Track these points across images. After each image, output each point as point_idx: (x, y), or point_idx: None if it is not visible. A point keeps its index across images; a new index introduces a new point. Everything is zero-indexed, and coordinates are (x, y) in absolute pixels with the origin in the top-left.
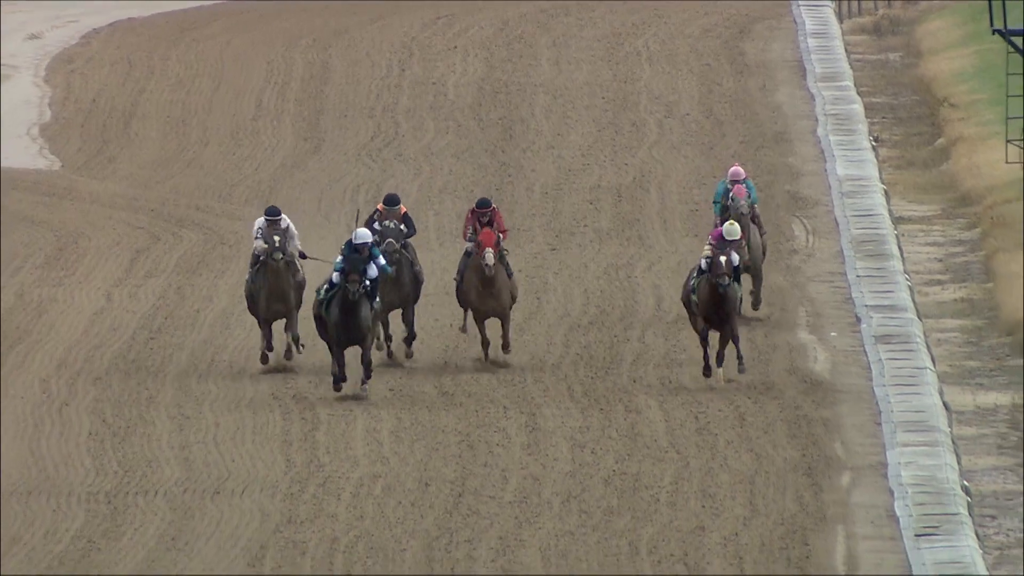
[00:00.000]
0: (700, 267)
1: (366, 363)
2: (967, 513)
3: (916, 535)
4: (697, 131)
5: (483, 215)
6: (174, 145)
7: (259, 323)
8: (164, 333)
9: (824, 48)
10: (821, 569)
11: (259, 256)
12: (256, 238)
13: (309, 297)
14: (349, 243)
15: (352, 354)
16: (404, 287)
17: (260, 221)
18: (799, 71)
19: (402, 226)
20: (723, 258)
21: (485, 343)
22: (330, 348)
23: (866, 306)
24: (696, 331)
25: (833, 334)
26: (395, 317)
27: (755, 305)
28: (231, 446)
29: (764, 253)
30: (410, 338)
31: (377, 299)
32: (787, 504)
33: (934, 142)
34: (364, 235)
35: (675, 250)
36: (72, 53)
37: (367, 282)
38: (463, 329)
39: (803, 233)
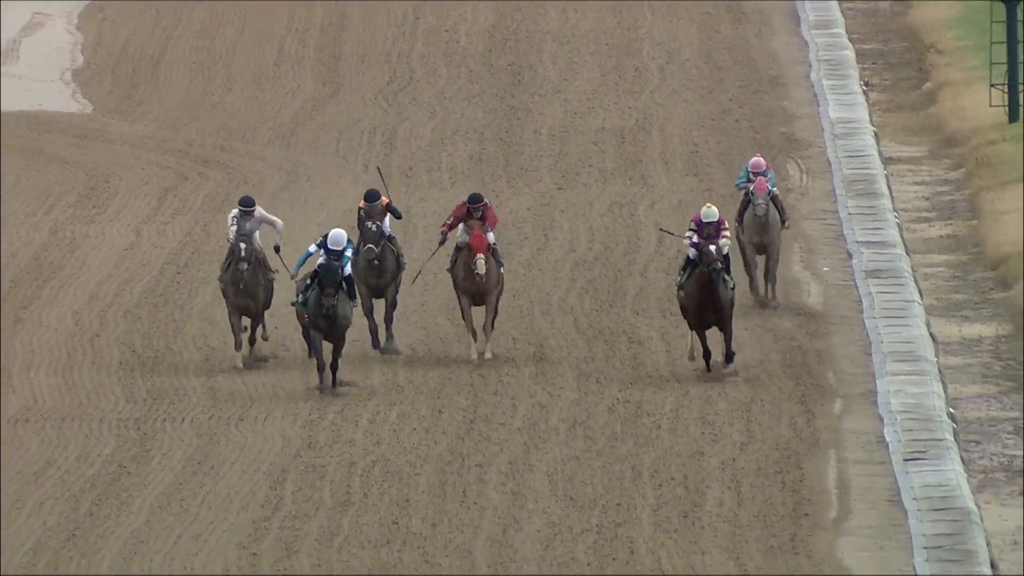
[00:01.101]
0: (688, 258)
1: (335, 360)
2: (952, 439)
3: (904, 459)
4: (697, 76)
5: (475, 210)
6: (199, 89)
7: (228, 313)
8: (190, 268)
9: None
10: (814, 492)
11: (230, 255)
12: (231, 227)
13: (279, 297)
14: (324, 242)
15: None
16: (387, 275)
17: (235, 211)
18: (794, 19)
19: (386, 218)
20: (712, 247)
21: (471, 326)
22: (306, 336)
23: (857, 242)
24: (690, 328)
25: (826, 268)
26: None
27: (773, 295)
28: (254, 376)
29: (780, 237)
30: (389, 309)
31: (356, 299)
32: (782, 430)
33: (922, 86)
34: (339, 239)
35: (676, 189)
36: (103, 3)
37: (343, 286)
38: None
39: (797, 173)
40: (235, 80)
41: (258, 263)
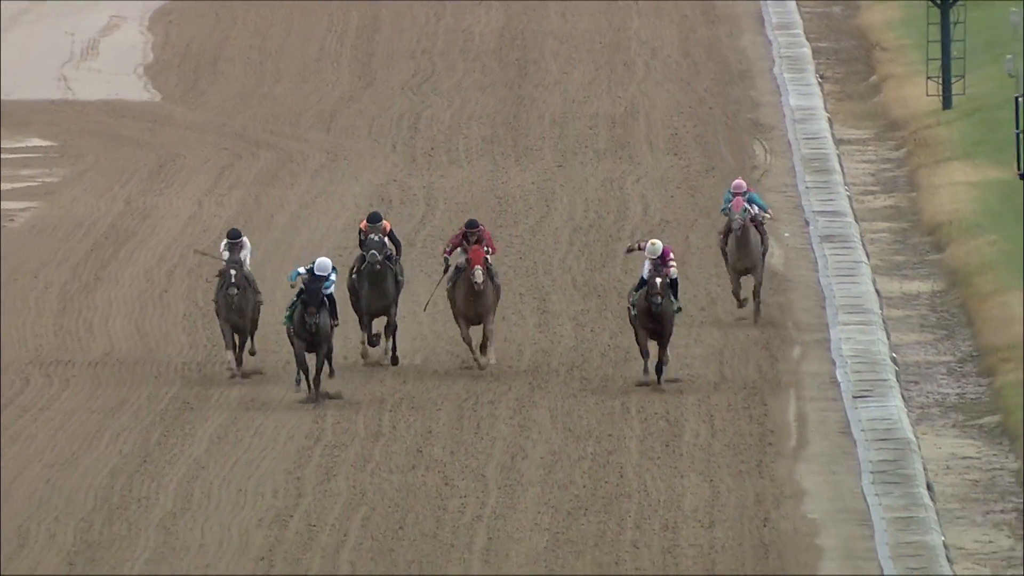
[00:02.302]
0: (642, 278)
1: (320, 367)
2: (895, 379)
3: (853, 397)
4: (676, 70)
5: (471, 234)
6: (252, 81)
7: (220, 326)
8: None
9: (779, 2)
10: (776, 425)
11: (222, 281)
12: (222, 252)
13: (269, 315)
14: (311, 268)
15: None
16: (388, 295)
17: (224, 243)
18: (759, 21)
19: (386, 239)
20: (658, 279)
21: (469, 341)
22: (296, 353)
23: (813, 211)
24: (636, 341)
25: (787, 234)
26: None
27: (756, 311)
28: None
29: (764, 258)
30: (391, 328)
31: (337, 317)
32: (749, 372)
33: (868, 79)
34: (324, 266)
35: (658, 167)
36: (169, 7)
37: (325, 302)
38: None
39: (762, 152)
40: (283, 73)
41: (247, 286)
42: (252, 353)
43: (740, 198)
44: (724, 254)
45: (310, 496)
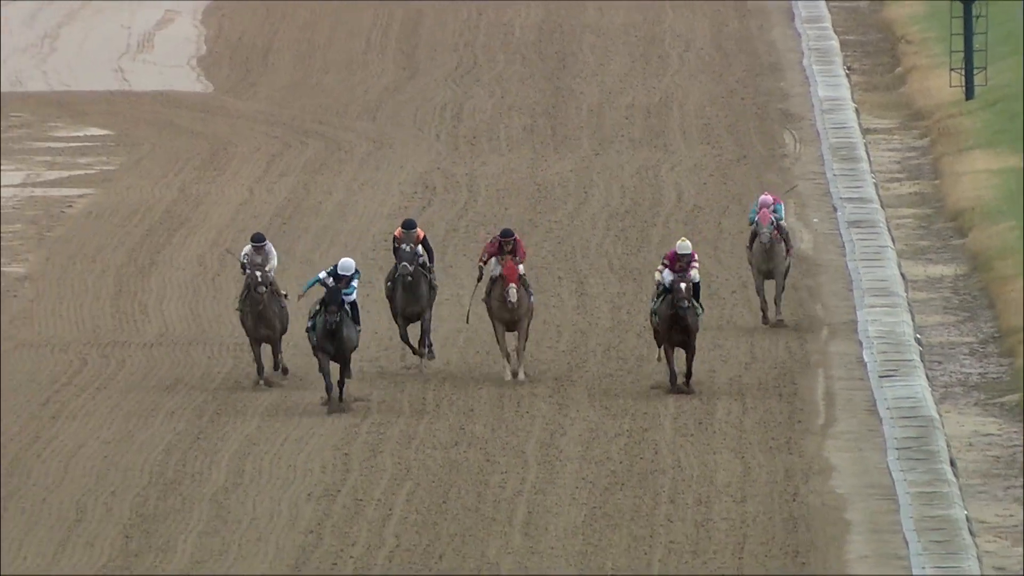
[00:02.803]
0: (662, 286)
1: (342, 379)
2: (919, 359)
3: (879, 376)
4: (709, 62)
5: (506, 243)
6: (302, 73)
7: (250, 343)
8: (293, 220)
9: None
10: (805, 403)
11: (248, 284)
12: (242, 262)
13: (295, 323)
14: (334, 269)
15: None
16: (421, 301)
17: (247, 248)
18: (789, 15)
19: (419, 248)
20: (682, 284)
21: (504, 350)
22: (319, 361)
23: (841, 198)
24: (658, 347)
25: (815, 220)
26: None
27: (778, 318)
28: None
29: (788, 269)
30: (425, 340)
31: (359, 326)
32: (779, 353)
33: (894, 70)
34: (348, 266)
35: (692, 155)
36: (222, 2)
37: (347, 308)
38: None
39: (792, 142)
40: (330, 65)
41: (272, 292)
42: (284, 372)
43: (767, 210)
44: (750, 262)
45: (357, 471)
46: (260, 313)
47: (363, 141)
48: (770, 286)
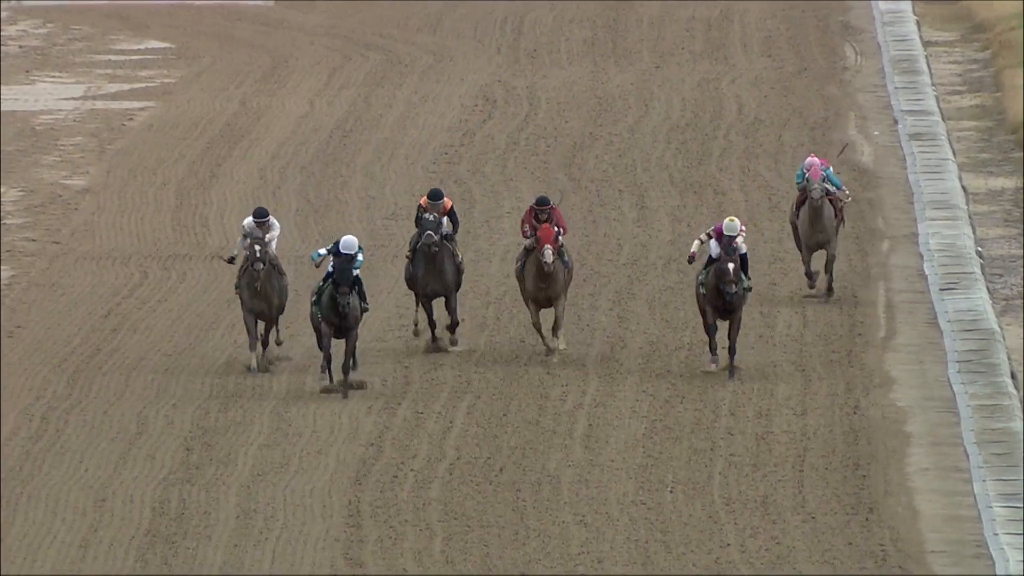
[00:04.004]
0: (710, 257)
1: (350, 352)
2: (980, 272)
3: (940, 289)
4: None
5: (542, 212)
6: None
7: (244, 316)
8: (354, 132)
9: None
10: (866, 316)
11: (247, 258)
12: (244, 235)
13: (294, 299)
14: (335, 246)
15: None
16: (446, 276)
17: (248, 221)
18: None
19: (444, 219)
20: (731, 265)
21: (539, 327)
22: (320, 341)
23: (902, 111)
24: (704, 320)
25: (876, 133)
26: (439, 306)
27: (829, 287)
28: (407, 223)
29: (838, 233)
30: (453, 325)
31: (367, 301)
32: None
33: None
34: (350, 244)
35: (752, 68)
36: None
37: (355, 283)
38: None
39: (853, 54)
40: None
41: (272, 268)
42: (279, 343)
43: (818, 170)
44: (795, 228)
45: (417, 384)
46: (257, 289)
47: (424, 54)
48: (819, 257)
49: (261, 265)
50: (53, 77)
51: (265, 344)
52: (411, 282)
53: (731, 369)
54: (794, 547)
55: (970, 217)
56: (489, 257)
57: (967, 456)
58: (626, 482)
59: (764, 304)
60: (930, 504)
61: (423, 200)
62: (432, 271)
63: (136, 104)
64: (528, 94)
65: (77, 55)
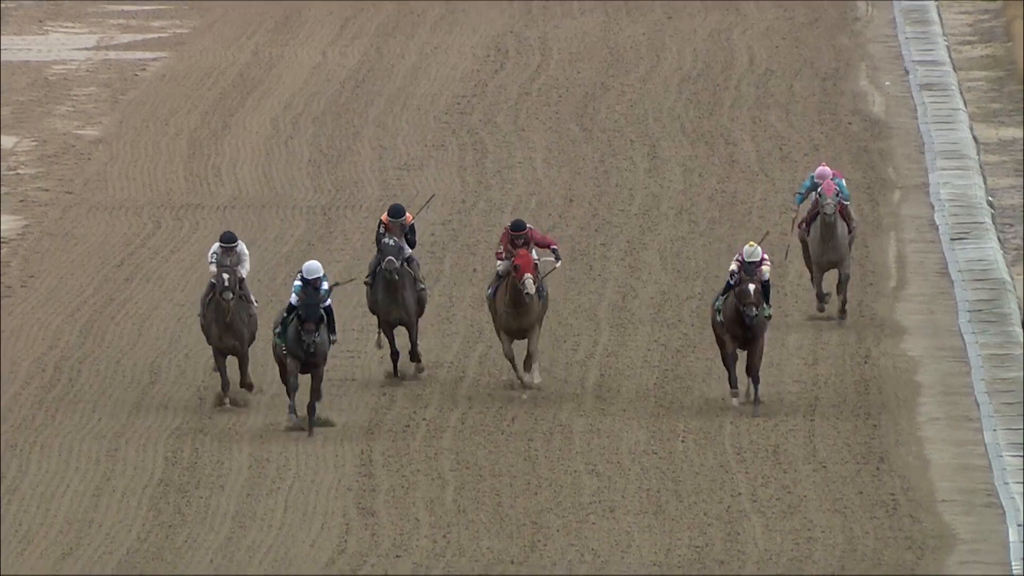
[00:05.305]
0: (728, 283)
1: (316, 390)
2: (991, 222)
3: (951, 239)
4: None
5: (517, 237)
6: None
7: (213, 354)
8: (366, 83)
9: None
10: (878, 266)
11: (213, 286)
12: (211, 263)
13: (263, 332)
14: (301, 275)
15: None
16: (408, 304)
17: (215, 246)
18: None
19: (403, 241)
20: (751, 286)
21: (512, 358)
22: (283, 375)
23: (913, 61)
24: (722, 351)
25: (887, 83)
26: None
27: (842, 310)
28: (419, 173)
29: (851, 247)
30: (416, 356)
31: (336, 331)
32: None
33: None
34: (314, 269)
35: (764, 18)
36: None
37: (323, 316)
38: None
39: (864, 4)
40: None
41: (240, 297)
42: (250, 388)
43: (831, 183)
44: (804, 245)
45: (430, 334)
46: (227, 323)
47: (436, 4)
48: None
49: (230, 295)
50: (66, 27)
51: (243, 384)
52: (372, 308)
53: (755, 401)
54: (805, 496)
55: (981, 167)
56: (502, 208)
57: (977, 405)
58: (638, 431)
59: (777, 252)
60: (940, 453)
61: (384, 217)
62: (394, 298)
63: (149, 54)
64: (540, 44)
65: (90, 5)
